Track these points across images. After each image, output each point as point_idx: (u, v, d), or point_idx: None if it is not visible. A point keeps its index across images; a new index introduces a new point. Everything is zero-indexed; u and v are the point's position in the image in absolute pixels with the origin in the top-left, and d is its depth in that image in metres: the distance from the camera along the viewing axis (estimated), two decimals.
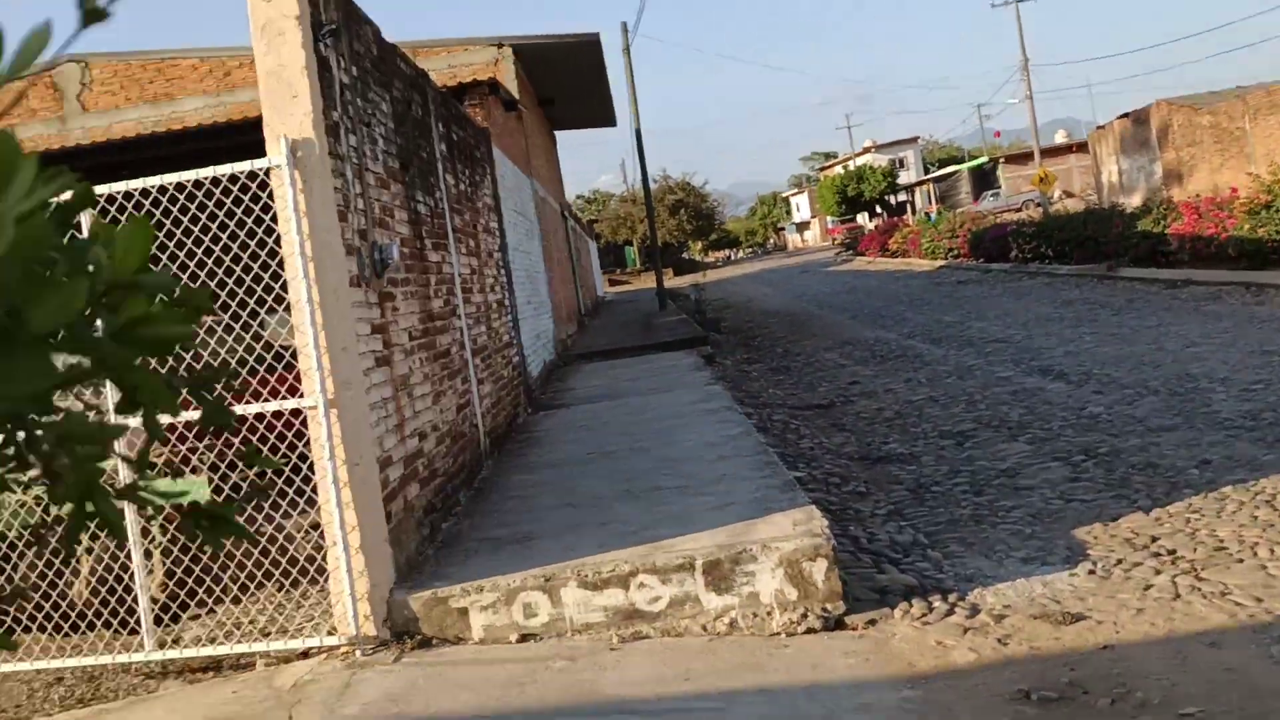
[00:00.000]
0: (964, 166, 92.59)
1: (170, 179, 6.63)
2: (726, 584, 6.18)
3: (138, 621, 6.82)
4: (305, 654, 6.48)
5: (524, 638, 6.26)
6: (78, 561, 7.47)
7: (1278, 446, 8.75)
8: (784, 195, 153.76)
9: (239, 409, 6.46)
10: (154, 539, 7.40)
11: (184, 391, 1.10)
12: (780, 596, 6.12)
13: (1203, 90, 48.53)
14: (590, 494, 8.53)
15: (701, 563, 6.22)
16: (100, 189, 6.68)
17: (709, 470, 8.72)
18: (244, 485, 7.32)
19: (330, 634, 6.48)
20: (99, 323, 0.78)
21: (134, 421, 0.94)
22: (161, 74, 22.06)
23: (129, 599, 7.00)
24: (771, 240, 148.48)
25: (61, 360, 0.73)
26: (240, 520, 1.03)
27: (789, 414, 13.68)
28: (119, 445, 0.97)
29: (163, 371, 1.04)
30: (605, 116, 38.16)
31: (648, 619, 6.20)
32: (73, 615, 7.30)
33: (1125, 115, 49.53)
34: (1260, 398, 10.60)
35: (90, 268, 0.78)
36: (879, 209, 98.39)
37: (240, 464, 7.77)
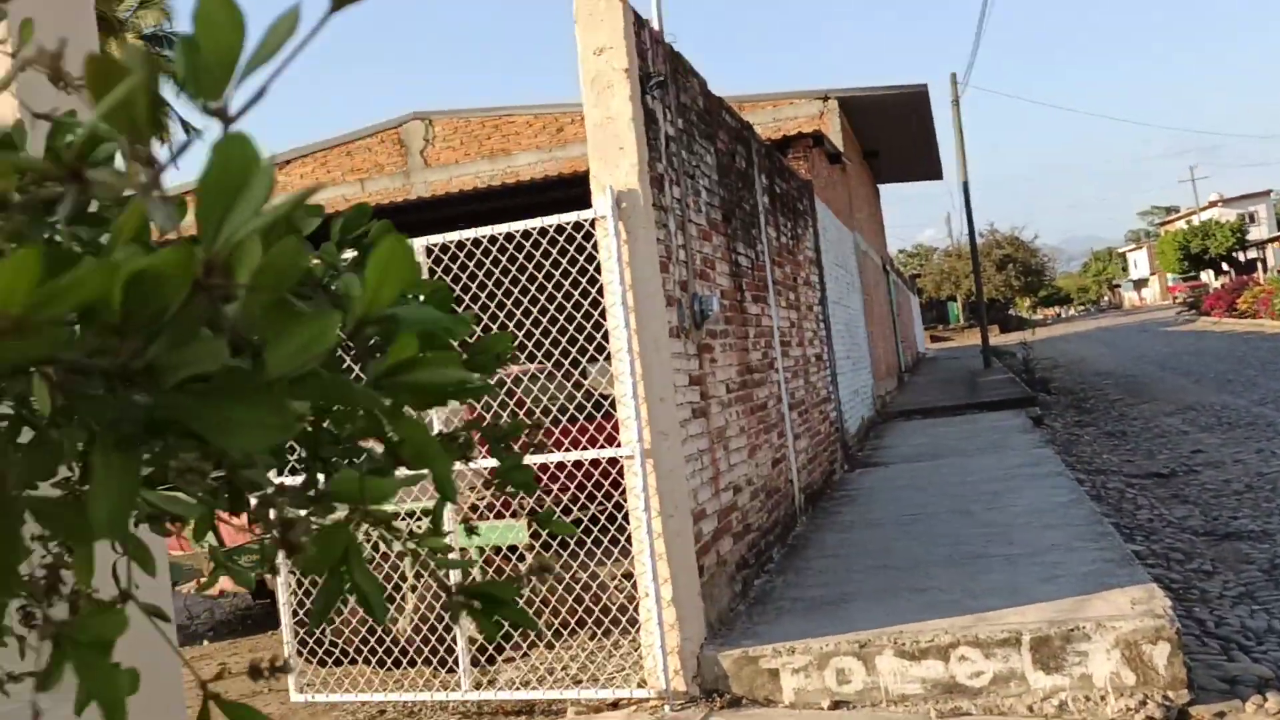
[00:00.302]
0: None
1: (501, 229, 6.82)
2: (1056, 663, 5.76)
3: (456, 660, 6.98)
4: (615, 704, 6.45)
5: (836, 704, 6.02)
6: (402, 598, 7.74)
7: None
8: (1120, 251, 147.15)
9: (558, 456, 6.54)
10: (402, 574, 7.58)
11: (468, 446, 1.00)
12: (1116, 680, 5.65)
13: None
14: (908, 557, 8.20)
15: (1029, 638, 5.82)
16: (437, 238, 6.95)
17: (1037, 538, 8.23)
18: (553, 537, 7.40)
19: (640, 686, 6.43)
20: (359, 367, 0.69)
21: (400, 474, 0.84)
22: (498, 130, 23.12)
23: (449, 638, 7.19)
24: (1106, 298, 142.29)
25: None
26: (520, 602, 0.91)
27: (1125, 482, 12.87)
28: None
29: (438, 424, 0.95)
30: (931, 169, 37.54)
31: (969, 694, 5.85)
32: (395, 651, 7.55)
33: None
34: None
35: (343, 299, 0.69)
36: (1226, 266, 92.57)
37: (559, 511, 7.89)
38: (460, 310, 1.16)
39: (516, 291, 7.25)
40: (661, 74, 7.08)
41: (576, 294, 6.98)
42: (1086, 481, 12.29)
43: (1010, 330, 78.78)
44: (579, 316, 6.95)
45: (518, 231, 6.76)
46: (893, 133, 28.57)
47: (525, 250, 7.02)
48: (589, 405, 8.46)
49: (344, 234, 1.13)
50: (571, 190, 12.00)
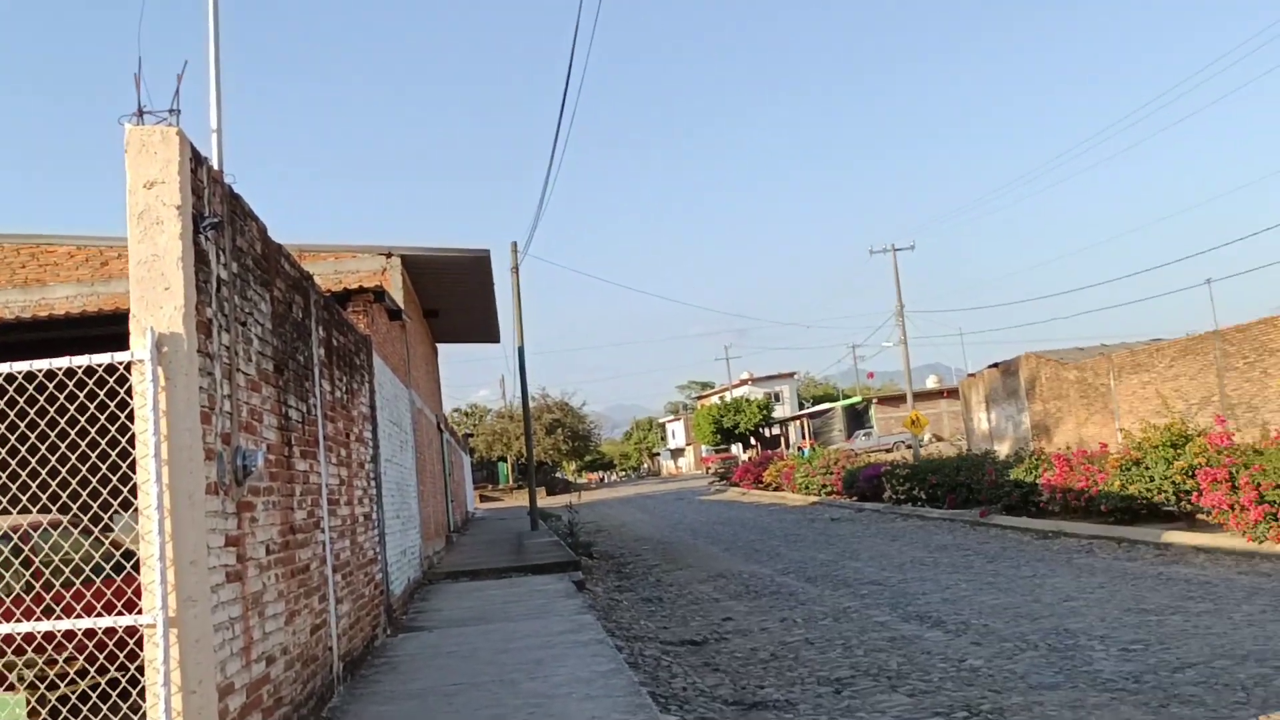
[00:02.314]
0: (839, 404, 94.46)
1: (19, 367, 6.13)
2: None
3: None
4: None
5: None
6: None
7: (1163, 712, 8.50)
8: (660, 421, 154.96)
9: (68, 624, 5.83)
10: None
11: None
12: None
13: (1068, 346, 50.38)
14: None
15: None
16: None
17: (578, 710, 8.17)
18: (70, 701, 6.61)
19: None
20: None
21: None
22: (35, 259, 21.44)
23: None
24: (646, 465, 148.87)
25: None
26: None
27: (661, 649, 13.16)
28: None
29: None
30: (489, 332, 38.18)
31: None
32: None
33: (995, 365, 51.08)
34: (1140, 658, 10.42)
35: None
36: (754, 441, 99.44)
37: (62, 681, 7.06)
38: None
39: (34, 436, 6.51)
40: (218, 214, 6.70)
41: (104, 443, 6.34)
42: (626, 649, 12.47)
43: (557, 492, 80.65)
44: (104, 467, 6.31)
45: (39, 371, 6.09)
46: (454, 294, 28.89)
47: (48, 392, 6.34)
48: (110, 563, 7.69)
49: None
50: (117, 328, 11.18)
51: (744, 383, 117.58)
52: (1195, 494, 19.38)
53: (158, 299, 6.06)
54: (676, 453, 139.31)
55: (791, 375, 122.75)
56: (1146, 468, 21.34)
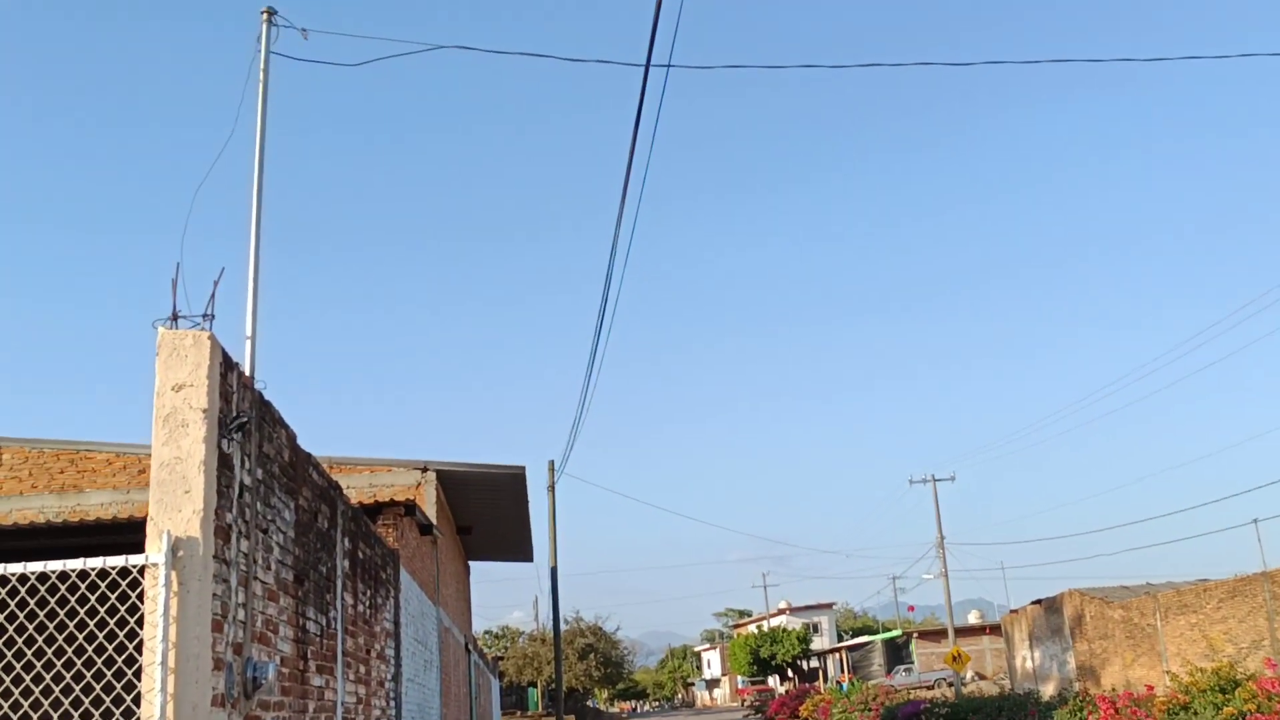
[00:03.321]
0: (878, 638, 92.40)
1: (34, 568, 6.03)
2: None
3: None
4: None
5: None
6: None
7: None
8: (696, 649, 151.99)
9: None
10: None
11: None
12: None
13: (1112, 584, 49.28)
14: None
15: None
16: None
17: None
18: None
19: None
20: None
21: None
22: (74, 465, 21.59)
23: None
24: (680, 695, 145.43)
25: None
26: None
27: None
28: None
29: None
30: (523, 551, 37.88)
31: None
32: None
33: (1038, 601, 49.96)
34: None
35: None
36: (790, 673, 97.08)
37: None
38: None
39: (40, 640, 6.37)
40: (245, 419, 6.69)
41: (110, 648, 6.19)
42: None
43: None
44: (109, 673, 6.14)
45: (53, 572, 6.00)
46: (489, 511, 28.76)
47: (59, 594, 6.23)
48: None
49: None
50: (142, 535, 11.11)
51: (781, 612, 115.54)
52: None
53: (177, 502, 6.00)
54: (712, 683, 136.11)
55: (830, 605, 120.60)
56: (1195, 713, 20.50)
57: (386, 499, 17.55)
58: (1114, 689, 29.51)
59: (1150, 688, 25.25)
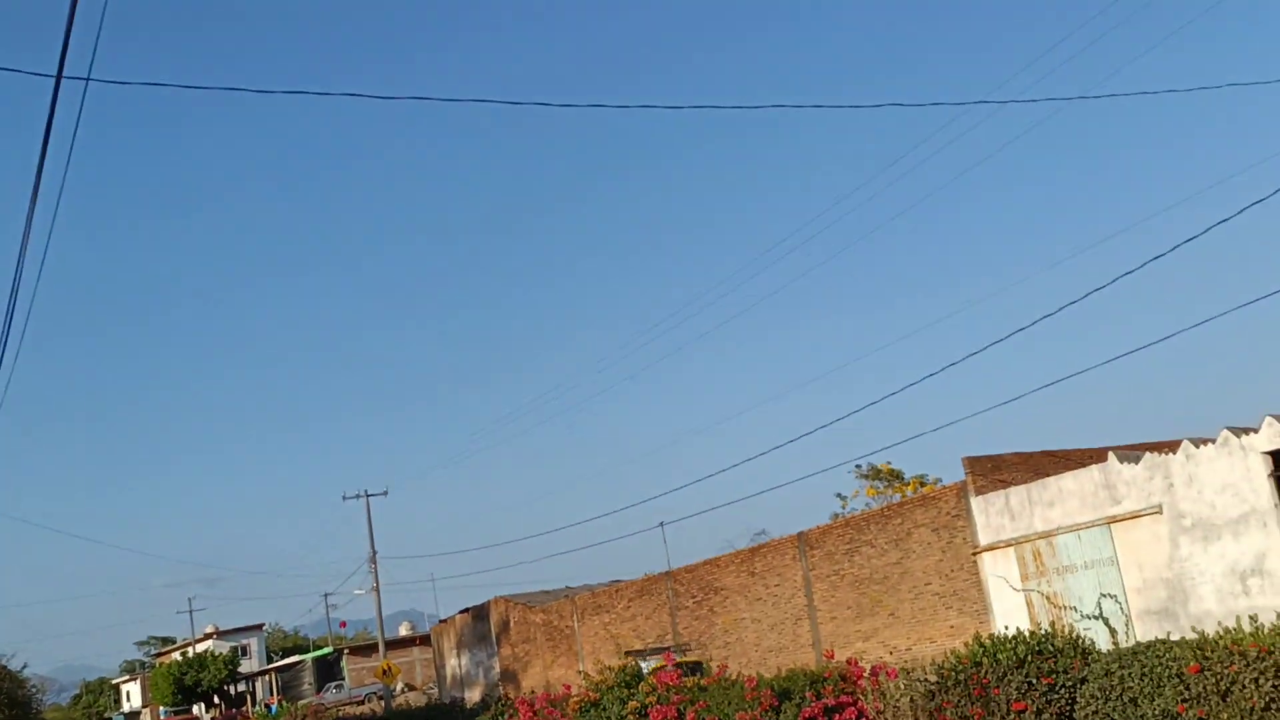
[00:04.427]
0: (308, 656, 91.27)
1: None
2: None
3: None
4: None
5: None
6: None
7: None
8: (114, 681, 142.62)
9: None
10: None
11: None
12: None
13: (535, 589, 51.86)
14: None
15: None
16: None
17: None
18: None
19: None
20: None
21: None
22: None
23: None
24: None
25: None
26: None
27: None
28: None
29: None
30: None
31: None
32: None
33: (466, 610, 51.58)
34: None
35: None
36: (217, 699, 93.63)
37: None
38: None
39: None
40: None
41: None
42: None
43: None
44: None
45: None
46: None
47: None
48: None
49: None
50: None
51: (209, 636, 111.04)
52: None
53: None
54: (131, 716, 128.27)
55: (260, 626, 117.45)
56: (604, 708, 22.15)
57: None
58: (533, 691, 31.16)
59: (568, 687, 26.97)
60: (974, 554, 24.56)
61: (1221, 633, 12.94)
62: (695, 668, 25.76)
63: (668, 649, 33.13)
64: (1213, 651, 12.54)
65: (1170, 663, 12.82)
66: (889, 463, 48.20)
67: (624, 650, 36.17)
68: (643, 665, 29.34)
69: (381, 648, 60.50)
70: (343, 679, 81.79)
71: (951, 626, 24.94)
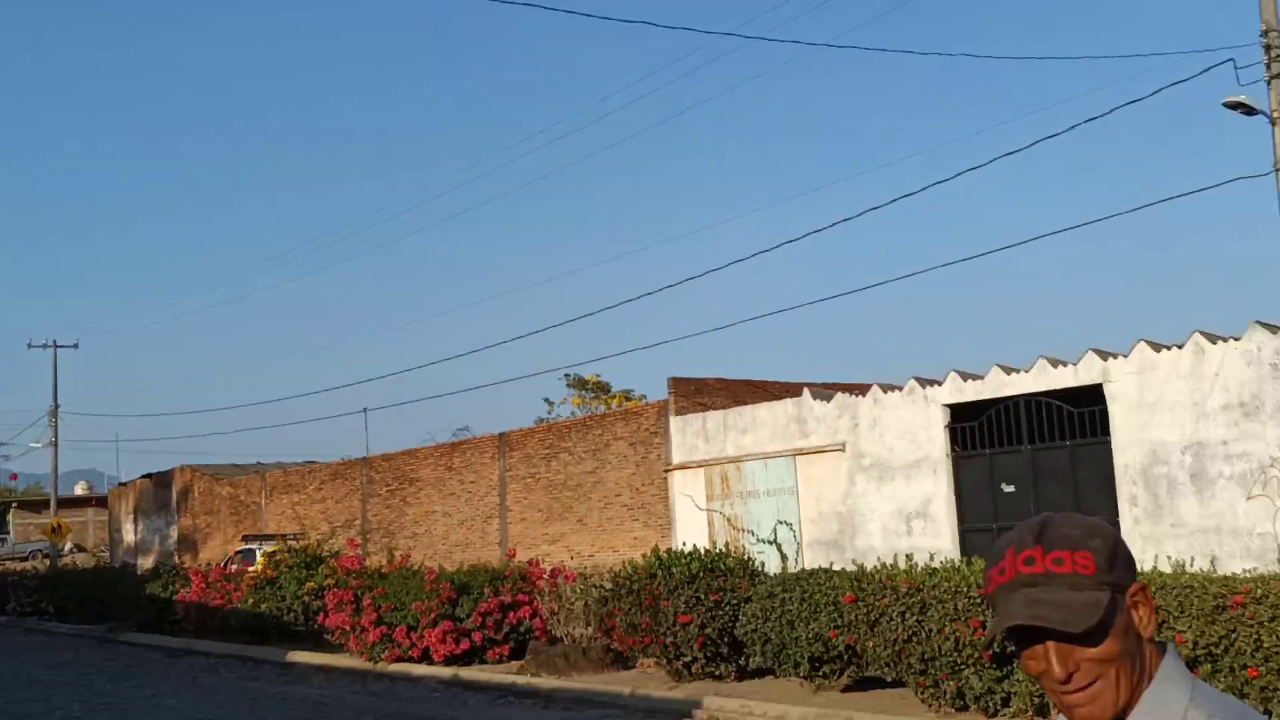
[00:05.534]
0: None
1: None
2: None
3: None
4: None
5: None
6: None
7: None
8: None
9: None
10: None
11: None
12: None
13: (227, 462, 50.36)
14: None
15: None
16: None
17: None
18: None
19: None
20: None
21: None
22: None
23: None
24: None
25: None
26: None
27: None
28: None
29: None
30: None
31: None
32: None
33: (149, 475, 49.75)
34: None
35: None
36: None
37: None
38: None
39: None
40: None
41: None
42: None
43: None
44: None
45: None
46: None
47: None
48: None
49: None
50: None
51: None
52: (322, 615, 20.09)
53: None
54: None
55: None
56: (280, 587, 21.79)
57: None
58: (209, 563, 30.37)
59: (245, 564, 26.38)
60: (666, 471, 25.25)
61: (879, 567, 13.69)
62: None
63: (295, 536, 32.27)
64: (868, 584, 13.25)
65: (829, 590, 13.48)
66: (597, 375, 48.95)
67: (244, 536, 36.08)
68: (255, 549, 29.09)
69: (54, 505, 57.66)
70: (7, 533, 77.83)
71: (635, 538, 25.62)
